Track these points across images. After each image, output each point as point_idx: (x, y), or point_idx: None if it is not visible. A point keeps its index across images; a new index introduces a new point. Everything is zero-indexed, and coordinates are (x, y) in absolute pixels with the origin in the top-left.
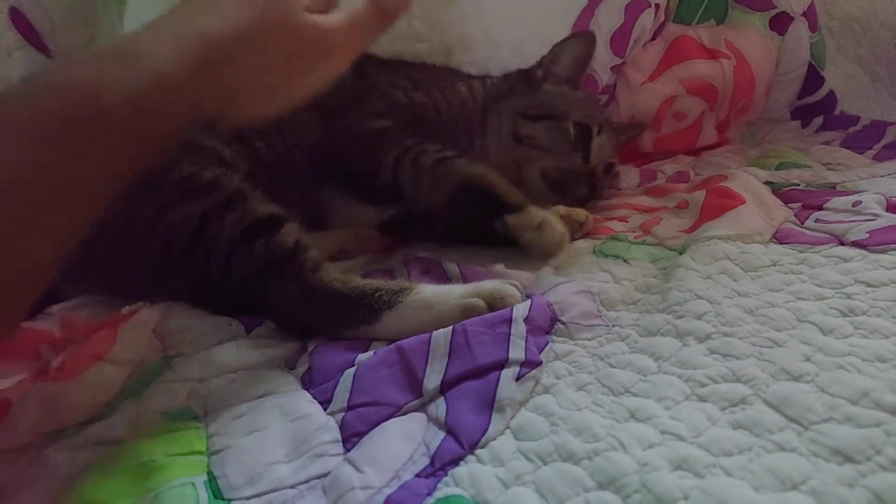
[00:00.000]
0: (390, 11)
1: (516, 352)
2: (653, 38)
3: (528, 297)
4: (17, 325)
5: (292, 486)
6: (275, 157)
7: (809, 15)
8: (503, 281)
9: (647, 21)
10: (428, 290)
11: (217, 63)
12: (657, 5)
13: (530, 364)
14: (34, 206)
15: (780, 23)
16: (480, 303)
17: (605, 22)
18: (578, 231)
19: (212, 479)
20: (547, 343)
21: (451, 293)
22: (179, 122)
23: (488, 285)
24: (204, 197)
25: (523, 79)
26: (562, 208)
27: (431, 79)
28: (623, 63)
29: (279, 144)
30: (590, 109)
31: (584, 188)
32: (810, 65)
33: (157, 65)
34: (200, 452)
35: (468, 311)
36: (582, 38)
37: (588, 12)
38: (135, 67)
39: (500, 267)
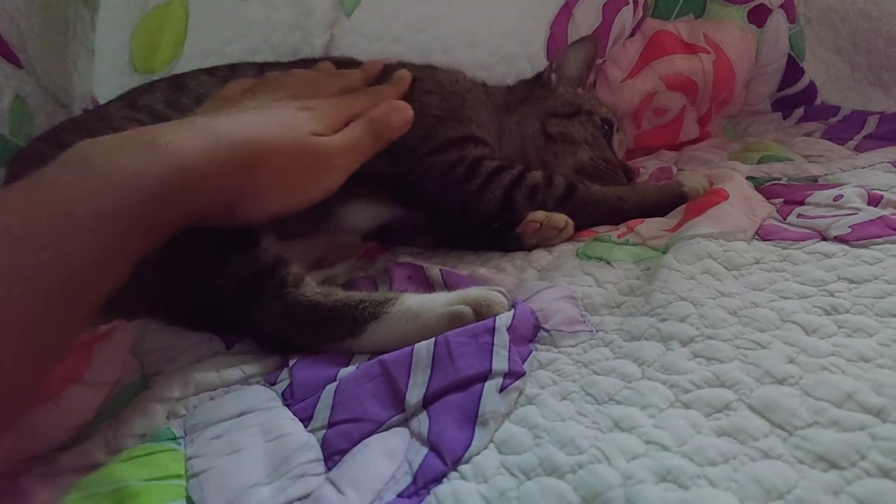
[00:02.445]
0: (383, 137)
1: (499, 363)
2: (631, 34)
3: (513, 304)
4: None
5: None
6: None
7: (787, 6)
8: (489, 287)
9: (626, 18)
10: (413, 300)
11: (244, 162)
12: (635, 2)
13: (514, 375)
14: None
15: (759, 15)
16: (467, 310)
17: (584, 21)
18: (557, 237)
19: None
20: (530, 352)
21: (436, 301)
22: (196, 212)
23: (474, 292)
24: None
25: (538, 84)
26: (540, 213)
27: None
28: (603, 61)
29: None
30: (607, 107)
31: (621, 176)
32: (790, 56)
33: (175, 152)
34: (178, 476)
35: (455, 319)
36: (586, 41)
37: (566, 11)
38: (150, 152)
39: (483, 272)
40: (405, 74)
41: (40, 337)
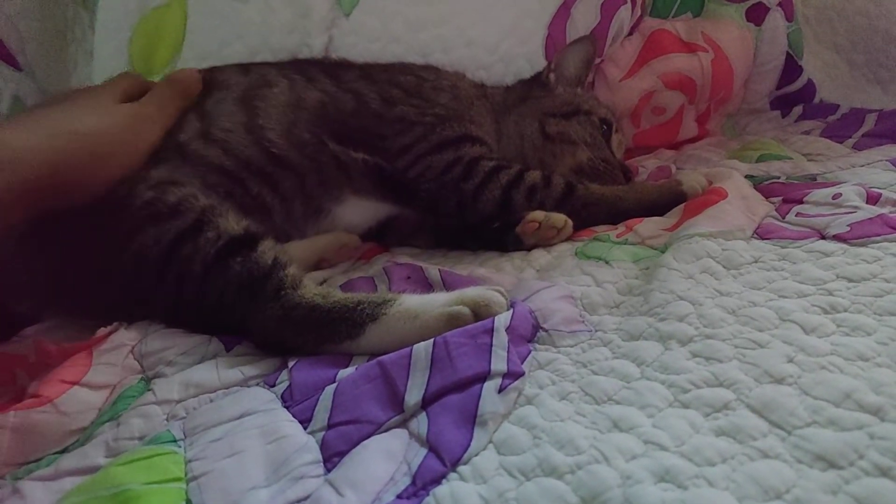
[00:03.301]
0: (186, 91)
1: (498, 363)
2: (630, 33)
3: (512, 304)
4: None
5: None
6: (267, 160)
7: (785, 4)
8: (487, 287)
9: (624, 17)
10: (411, 301)
11: (77, 144)
12: (633, 1)
13: (512, 375)
14: None
15: (757, 13)
16: (465, 310)
17: (582, 21)
18: (556, 237)
19: None
20: (529, 352)
21: (434, 302)
22: (37, 189)
23: (472, 292)
24: (172, 219)
25: (536, 84)
26: (540, 213)
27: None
28: (601, 61)
29: (284, 147)
30: (605, 107)
31: (620, 176)
32: (788, 54)
33: (11, 144)
34: (178, 479)
35: (453, 320)
36: (584, 41)
37: (564, 11)
38: None
39: (482, 271)
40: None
41: None
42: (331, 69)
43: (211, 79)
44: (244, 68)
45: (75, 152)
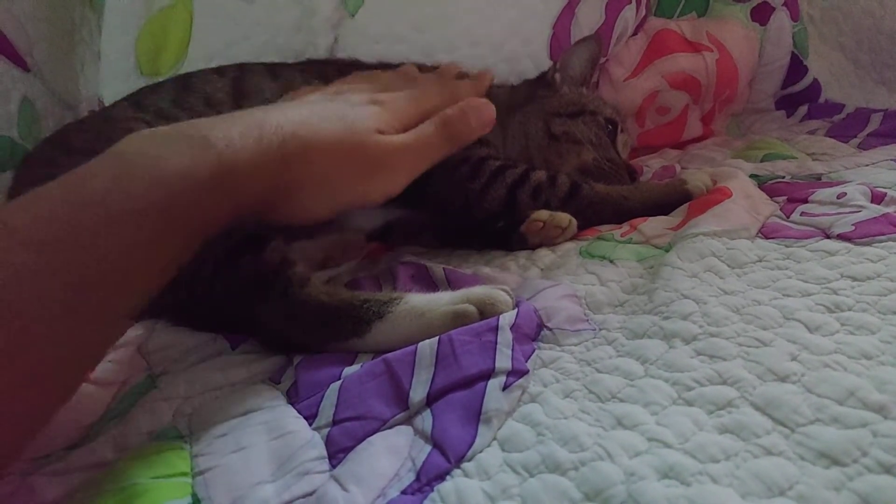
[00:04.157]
0: (456, 137)
1: (503, 361)
2: (634, 33)
3: (517, 303)
4: (10, 461)
5: None
6: None
7: (790, 4)
8: (493, 286)
9: (628, 16)
10: (417, 299)
11: (291, 159)
12: (638, 0)
13: (517, 373)
14: (31, 317)
15: (762, 13)
16: (471, 308)
17: (586, 20)
18: (561, 236)
19: (196, 502)
20: (533, 350)
21: (440, 300)
22: (240, 209)
23: (478, 291)
24: None
25: (541, 84)
26: (544, 212)
27: None
28: (605, 60)
29: None
30: (611, 107)
31: (625, 176)
32: (793, 54)
33: (225, 148)
34: (185, 474)
35: (459, 318)
36: (589, 41)
37: (569, 10)
38: (200, 148)
39: (487, 270)
40: (488, 73)
41: (75, 334)
42: (345, 70)
43: (243, 83)
44: (272, 72)
45: (292, 172)
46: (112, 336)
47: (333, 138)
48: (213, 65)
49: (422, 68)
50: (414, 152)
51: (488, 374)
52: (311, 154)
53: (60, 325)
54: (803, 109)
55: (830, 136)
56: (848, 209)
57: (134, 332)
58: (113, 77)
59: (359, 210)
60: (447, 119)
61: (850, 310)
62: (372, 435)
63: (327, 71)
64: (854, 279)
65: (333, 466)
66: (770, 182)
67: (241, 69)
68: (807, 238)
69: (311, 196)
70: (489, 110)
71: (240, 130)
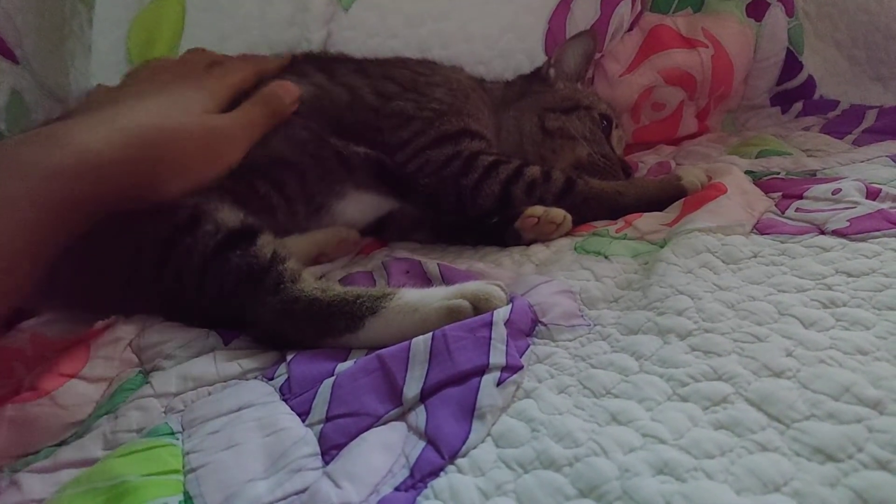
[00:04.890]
0: (278, 112)
1: (497, 356)
2: (630, 29)
3: (511, 299)
4: None
5: None
6: (271, 161)
7: (786, 0)
8: (487, 281)
9: (624, 12)
10: (411, 294)
11: (150, 152)
12: None
13: (511, 368)
14: None
15: (757, 9)
16: (465, 304)
17: (582, 16)
18: (555, 231)
19: (188, 500)
20: (528, 346)
21: (434, 296)
22: (103, 201)
23: (472, 286)
24: (170, 213)
25: (536, 79)
26: (539, 208)
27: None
28: (601, 56)
29: (284, 146)
30: (605, 103)
31: (619, 172)
32: (788, 50)
33: (85, 148)
34: (176, 471)
35: (453, 313)
36: (585, 36)
37: (564, 6)
38: (59, 149)
39: (481, 266)
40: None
41: None
42: (326, 64)
43: None
44: None
45: (151, 161)
46: None
47: (179, 126)
48: None
49: (332, 61)
50: (243, 128)
51: (482, 370)
52: (163, 144)
53: None
54: (798, 106)
55: (825, 133)
56: (843, 205)
57: (125, 328)
58: (103, 70)
59: (351, 203)
60: (266, 97)
61: (844, 305)
62: (365, 431)
63: (306, 70)
64: (849, 275)
65: (326, 463)
66: (765, 178)
67: None
68: (802, 234)
69: (173, 177)
70: (295, 89)
71: (93, 127)
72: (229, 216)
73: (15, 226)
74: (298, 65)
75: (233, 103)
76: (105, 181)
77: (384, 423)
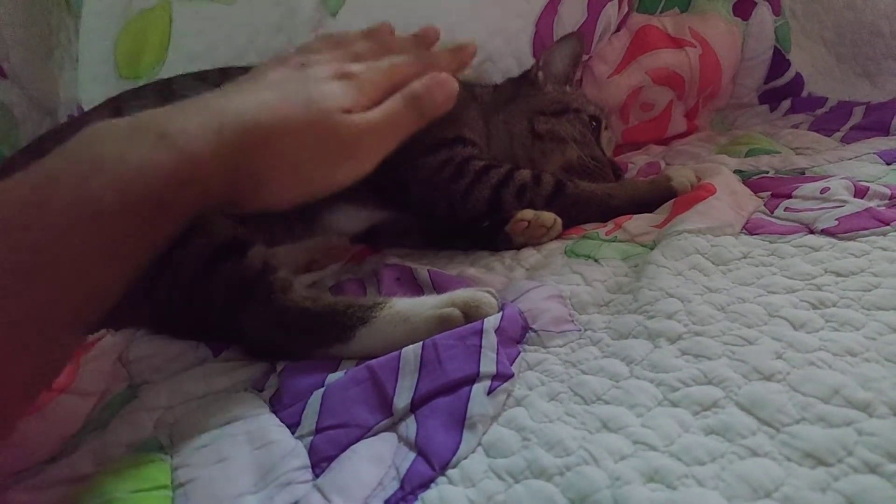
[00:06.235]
0: (426, 114)
1: (487, 365)
2: (617, 30)
3: (502, 305)
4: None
5: None
6: None
7: None
8: (478, 288)
9: (611, 13)
10: (402, 303)
11: (254, 147)
12: None
13: (502, 377)
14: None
15: (744, 8)
16: (456, 312)
17: (569, 18)
18: (546, 235)
19: None
20: (518, 353)
21: (425, 304)
22: (205, 202)
23: (463, 294)
24: None
25: (525, 82)
26: (529, 212)
27: None
28: (589, 57)
29: None
30: (594, 105)
31: (610, 174)
32: (776, 48)
33: (185, 142)
34: (165, 486)
35: (444, 322)
36: (572, 38)
37: (551, 8)
38: (160, 143)
39: (473, 271)
40: (470, 45)
41: (32, 343)
42: None
43: (215, 81)
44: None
45: (257, 163)
46: (68, 344)
47: (298, 122)
48: (194, 67)
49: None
50: (382, 131)
51: (473, 379)
52: (274, 140)
53: (14, 327)
54: (786, 104)
55: (813, 130)
56: (831, 204)
57: (114, 342)
58: (91, 81)
59: (342, 213)
60: (415, 94)
61: (834, 306)
62: (356, 443)
63: None
64: (838, 275)
65: (317, 476)
66: (754, 177)
67: (224, 74)
68: (791, 234)
69: (279, 183)
70: (452, 84)
71: (199, 121)
72: (222, 228)
73: (100, 244)
74: None
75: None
76: (206, 188)
77: (374, 434)
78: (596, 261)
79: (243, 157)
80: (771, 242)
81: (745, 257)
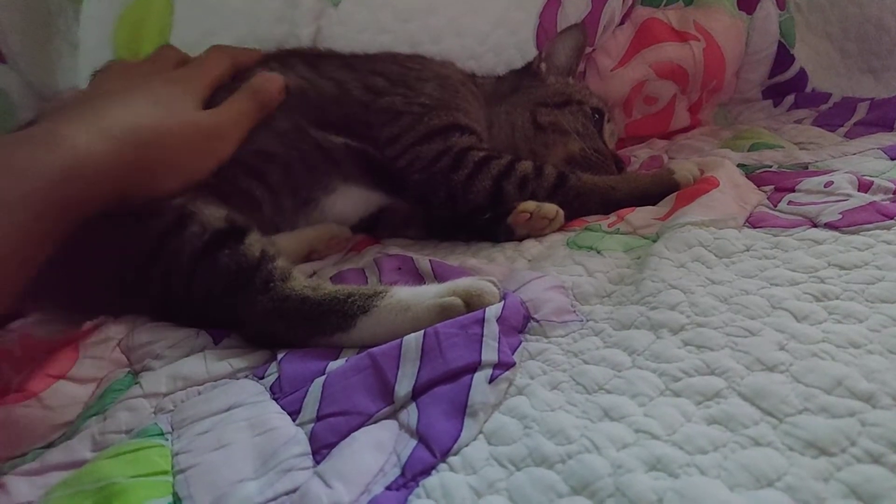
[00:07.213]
0: (266, 104)
1: (489, 353)
2: (621, 22)
3: (504, 295)
4: None
5: None
6: (251, 153)
7: None
8: (479, 278)
9: (615, 6)
10: (403, 292)
11: (140, 151)
12: None
13: (503, 365)
14: None
15: (748, 2)
16: (458, 301)
17: (573, 10)
18: (548, 227)
19: (177, 501)
20: (520, 342)
21: (426, 293)
22: (95, 202)
23: (464, 283)
24: (156, 215)
25: (528, 74)
26: (531, 203)
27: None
28: (592, 50)
29: (265, 138)
30: (597, 97)
31: (612, 166)
32: (780, 43)
33: (77, 151)
34: (165, 472)
35: (446, 311)
36: (575, 30)
37: (555, 1)
38: (51, 152)
39: (474, 262)
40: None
41: None
42: (312, 59)
43: None
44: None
45: (144, 161)
46: None
47: (168, 123)
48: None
49: (319, 57)
50: (234, 122)
51: (474, 367)
52: (155, 146)
53: None
54: (790, 99)
55: (817, 126)
56: (835, 198)
57: (114, 328)
58: (90, 67)
59: (339, 200)
60: (254, 90)
61: (837, 298)
62: (356, 430)
63: (292, 62)
64: (841, 268)
65: (317, 462)
66: (757, 171)
67: None
68: (794, 227)
69: (160, 181)
70: (280, 79)
71: (84, 128)
72: (214, 215)
73: (6, 229)
74: (284, 57)
75: (211, 98)
76: (97, 183)
77: (375, 422)
78: (598, 252)
79: (128, 158)
80: (774, 236)
81: (748, 250)
